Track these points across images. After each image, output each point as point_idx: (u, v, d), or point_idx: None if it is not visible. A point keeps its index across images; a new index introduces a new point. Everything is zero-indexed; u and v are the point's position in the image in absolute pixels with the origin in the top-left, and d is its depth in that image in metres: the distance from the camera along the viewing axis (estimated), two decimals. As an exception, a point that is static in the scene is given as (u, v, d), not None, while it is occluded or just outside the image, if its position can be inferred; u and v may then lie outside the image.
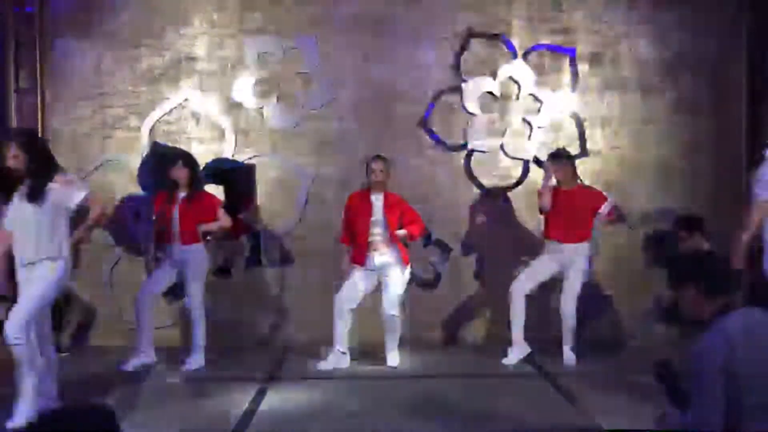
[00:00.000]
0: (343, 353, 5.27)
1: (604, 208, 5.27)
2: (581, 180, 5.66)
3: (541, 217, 5.41)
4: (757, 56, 6.17)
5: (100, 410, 2.09)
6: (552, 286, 5.54)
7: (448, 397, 4.44)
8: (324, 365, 5.21)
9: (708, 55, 6.29)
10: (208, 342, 5.43)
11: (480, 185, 6.25)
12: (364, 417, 4.05)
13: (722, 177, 6.26)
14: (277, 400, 4.44)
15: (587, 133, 6.26)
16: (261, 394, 4.57)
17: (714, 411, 2.41)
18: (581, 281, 5.27)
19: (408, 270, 5.35)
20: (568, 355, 5.31)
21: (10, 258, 4.11)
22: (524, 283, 5.35)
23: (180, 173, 5.34)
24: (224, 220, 5.43)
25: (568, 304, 5.27)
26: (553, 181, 5.35)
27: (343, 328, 5.25)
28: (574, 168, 5.47)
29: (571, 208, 5.25)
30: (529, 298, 5.37)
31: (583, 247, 5.26)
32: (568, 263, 5.27)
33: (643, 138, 6.30)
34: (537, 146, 6.21)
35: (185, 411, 4.22)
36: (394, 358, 5.33)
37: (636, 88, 6.30)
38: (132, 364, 5.24)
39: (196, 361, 5.28)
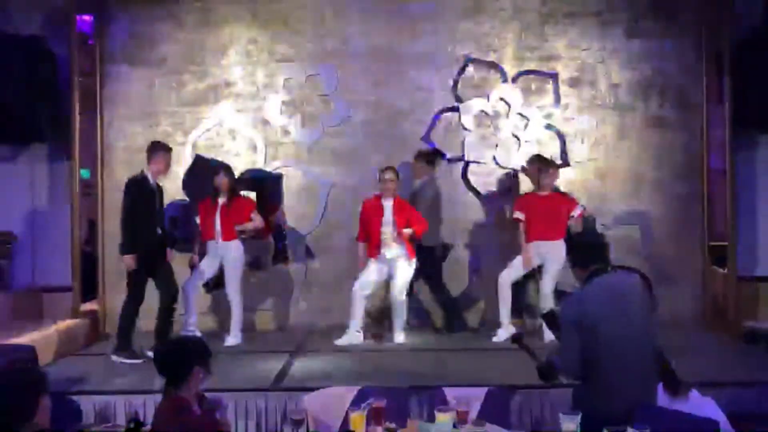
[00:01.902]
0: (357, 332, 6.28)
1: (576, 211, 6.23)
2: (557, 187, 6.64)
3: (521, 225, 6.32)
4: (714, 79, 7.06)
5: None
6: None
7: (443, 364, 5.42)
8: (341, 342, 6.21)
9: (673, 78, 7.18)
10: (243, 324, 6.46)
11: (475, 191, 7.24)
12: (372, 377, 5.03)
13: (684, 183, 7.19)
14: (302, 366, 5.46)
15: (568, 146, 7.21)
16: (290, 362, 5.58)
17: (572, 356, 3.19)
18: (558, 270, 6.19)
19: (413, 262, 6.35)
20: (548, 333, 6.26)
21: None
22: (510, 273, 6.33)
23: (221, 181, 6.36)
24: (257, 220, 6.44)
25: (546, 288, 6.20)
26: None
27: (358, 311, 6.27)
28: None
29: (548, 211, 6.21)
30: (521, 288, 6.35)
31: (560, 244, 6.19)
32: (547, 257, 6.21)
33: (616, 150, 7.21)
34: (525, 158, 7.18)
35: (230, 373, 5.22)
36: (399, 336, 6.32)
37: (610, 107, 7.20)
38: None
39: (235, 338, 6.30)
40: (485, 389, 3.64)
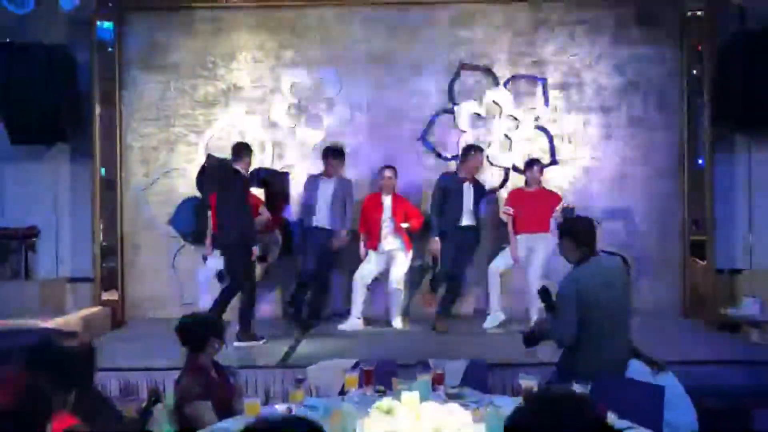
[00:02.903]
0: (358, 318, 6.77)
1: (560, 206, 6.71)
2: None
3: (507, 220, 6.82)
4: (695, 82, 7.47)
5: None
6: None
7: (436, 344, 5.91)
8: (343, 326, 6.71)
9: (655, 82, 7.58)
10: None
11: (469, 188, 7.72)
12: (371, 355, 5.51)
13: (665, 180, 7.63)
14: (308, 347, 5.97)
15: (556, 145, 7.64)
16: (297, 343, 6.09)
17: (568, 327, 3.72)
18: (544, 259, 6.65)
19: (410, 254, 6.84)
20: (534, 318, 6.73)
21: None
22: (499, 264, 6.81)
23: (232, 179, 6.85)
24: (265, 215, 6.94)
25: (532, 276, 6.65)
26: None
27: (359, 299, 6.76)
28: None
29: (535, 205, 6.70)
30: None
31: (546, 236, 6.65)
32: (534, 248, 6.69)
33: (602, 150, 7.64)
34: (516, 157, 7.66)
35: (243, 352, 5.73)
36: (398, 323, 6.81)
37: (596, 109, 7.63)
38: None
39: (246, 323, 6.81)
40: (466, 361, 4.12)
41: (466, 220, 6.71)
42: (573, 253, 3.91)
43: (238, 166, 6.33)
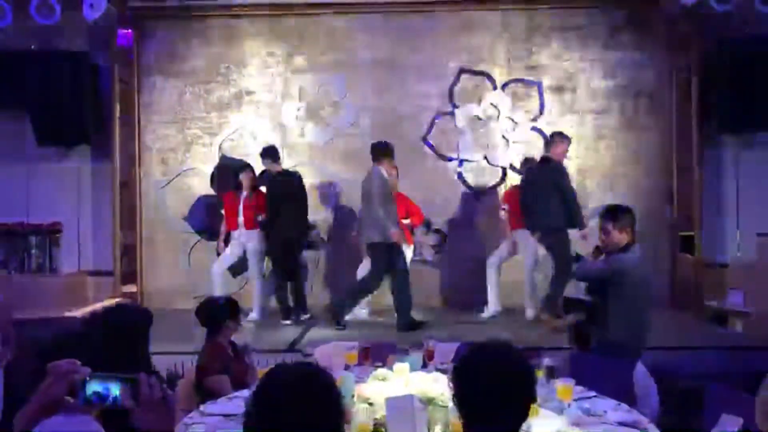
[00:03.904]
0: (363, 309, 7.19)
1: None
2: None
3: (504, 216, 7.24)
4: (684, 85, 7.85)
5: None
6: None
7: (436, 332, 6.31)
8: (350, 316, 7.13)
9: (646, 85, 7.98)
10: (264, 302, 7.40)
11: (468, 186, 8.13)
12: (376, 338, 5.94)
13: (656, 179, 8.02)
14: (316, 334, 6.40)
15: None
16: (305, 331, 6.53)
17: (591, 276, 4.35)
18: (537, 254, 7.05)
19: (411, 248, 7.26)
20: (528, 311, 7.14)
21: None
22: (496, 258, 7.22)
23: (245, 177, 7.30)
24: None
25: (528, 266, 7.06)
26: None
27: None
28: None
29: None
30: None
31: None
32: (528, 242, 7.08)
33: (595, 150, 8.03)
34: (513, 156, 8.06)
35: (254, 338, 6.16)
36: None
37: (590, 111, 8.03)
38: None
39: (258, 313, 7.24)
40: (457, 343, 4.53)
41: None
42: (617, 240, 4.32)
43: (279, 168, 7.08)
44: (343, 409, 1.86)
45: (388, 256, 6.58)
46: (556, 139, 6.84)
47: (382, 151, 6.74)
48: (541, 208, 6.56)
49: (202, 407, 3.38)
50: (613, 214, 4.45)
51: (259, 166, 7.80)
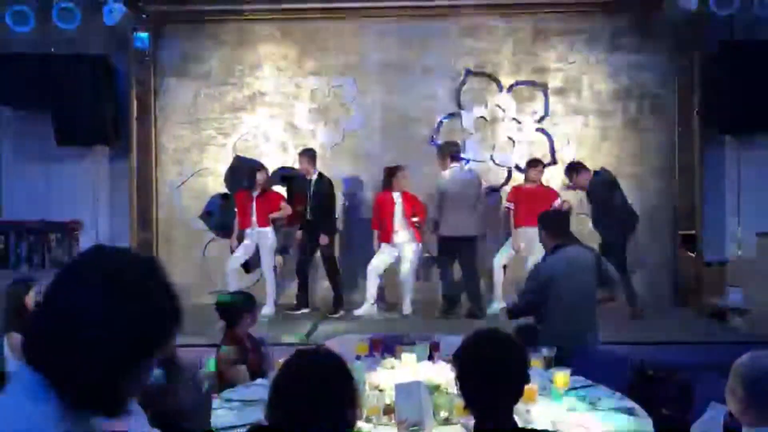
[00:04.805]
0: (372, 304, 7.43)
1: (557, 202, 7.34)
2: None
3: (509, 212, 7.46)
4: (686, 87, 8.03)
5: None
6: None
7: (441, 327, 6.56)
8: (359, 312, 7.38)
9: (649, 87, 8.15)
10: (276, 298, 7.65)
11: (475, 186, 8.34)
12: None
13: (658, 179, 8.21)
14: (327, 327, 6.65)
15: (556, 147, 8.26)
16: (317, 324, 6.79)
17: (523, 298, 4.49)
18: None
19: (419, 246, 7.48)
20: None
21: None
22: (501, 257, 7.45)
23: (258, 177, 7.54)
24: (286, 209, 7.62)
25: (530, 265, 7.26)
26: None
27: (372, 287, 7.42)
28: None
29: (534, 201, 7.30)
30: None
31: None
32: (533, 240, 7.24)
33: (599, 150, 8.20)
34: (518, 157, 8.27)
35: (267, 333, 6.40)
36: (407, 308, 7.45)
37: (594, 113, 8.23)
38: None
39: (270, 308, 7.49)
40: (462, 336, 4.76)
41: None
42: (547, 243, 4.56)
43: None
44: (355, 387, 2.10)
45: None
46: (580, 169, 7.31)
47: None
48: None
49: (222, 394, 3.63)
50: (542, 221, 4.71)
51: (272, 166, 8.09)
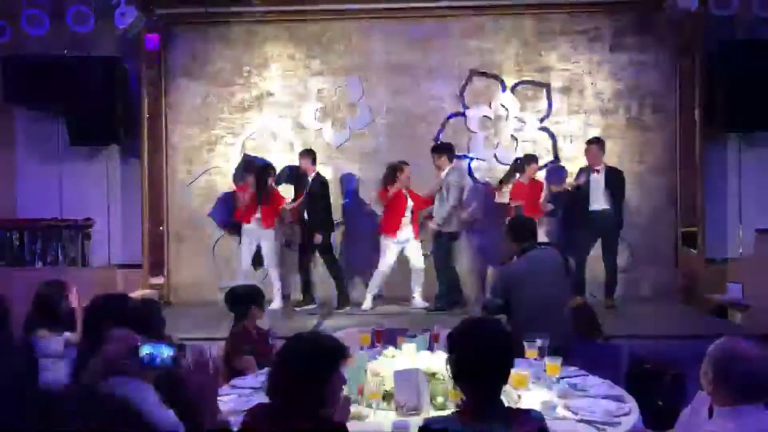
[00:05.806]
0: (375, 298, 7.58)
1: (543, 192, 7.63)
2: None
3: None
4: (687, 86, 8.10)
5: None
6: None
7: (446, 320, 6.70)
8: (365, 306, 7.53)
9: (651, 87, 8.24)
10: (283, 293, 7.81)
11: (479, 183, 8.47)
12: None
13: (660, 177, 8.30)
14: (334, 322, 6.80)
15: (559, 145, 8.37)
16: (323, 318, 6.95)
17: (493, 302, 4.62)
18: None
19: (419, 239, 7.63)
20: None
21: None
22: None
23: (269, 181, 7.69)
24: (285, 211, 7.77)
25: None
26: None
27: (379, 281, 7.57)
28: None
29: (531, 195, 7.47)
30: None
31: (541, 220, 7.38)
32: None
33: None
34: (521, 155, 8.36)
35: (274, 328, 6.56)
36: (418, 300, 7.56)
37: (596, 112, 8.31)
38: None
39: (277, 303, 7.65)
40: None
41: None
42: (511, 247, 4.71)
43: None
44: (333, 368, 2.46)
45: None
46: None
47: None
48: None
49: (231, 382, 3.79)
50: (507, 229, 4.88)
51: (280, 165, 8.25)
